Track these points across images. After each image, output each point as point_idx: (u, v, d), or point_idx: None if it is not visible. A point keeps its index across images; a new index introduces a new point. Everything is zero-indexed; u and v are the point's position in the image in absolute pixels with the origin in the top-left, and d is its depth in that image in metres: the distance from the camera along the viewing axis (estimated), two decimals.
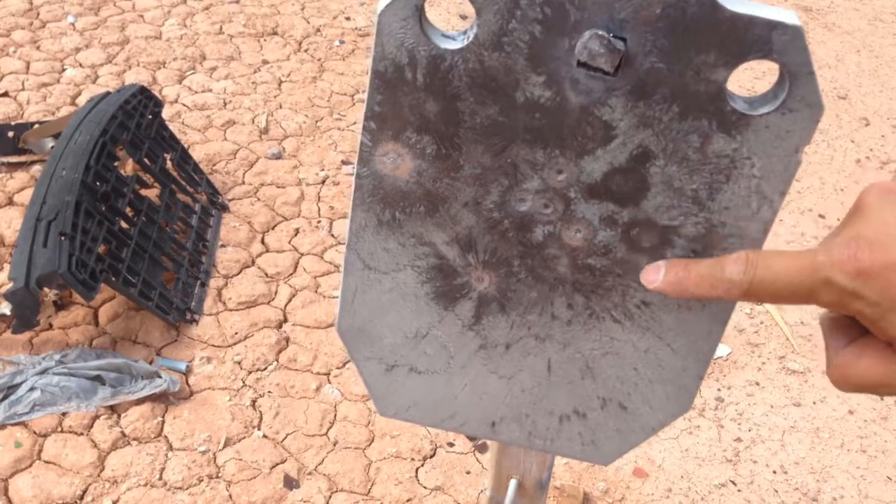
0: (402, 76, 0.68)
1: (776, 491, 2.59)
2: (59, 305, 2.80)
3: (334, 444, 2.56)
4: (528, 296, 0.77)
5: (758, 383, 2.93)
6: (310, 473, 2.47)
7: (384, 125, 0.70)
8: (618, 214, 0.71)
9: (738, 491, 2.58)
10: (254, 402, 2.65)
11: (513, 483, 1.03)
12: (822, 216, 3.74)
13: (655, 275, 0.70)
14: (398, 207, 0.75)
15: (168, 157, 3.16)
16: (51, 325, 2.75)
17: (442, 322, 0.81)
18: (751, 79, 4.65)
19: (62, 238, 2.46)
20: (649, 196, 0.70)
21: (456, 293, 0.79)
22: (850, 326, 0.60)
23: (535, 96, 0.67)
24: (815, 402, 2.89)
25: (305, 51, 4.41)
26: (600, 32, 0.63)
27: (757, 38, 0.61)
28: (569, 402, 0.83)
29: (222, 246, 3.17)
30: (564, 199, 0.72)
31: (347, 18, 4.77)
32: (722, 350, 3.02)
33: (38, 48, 4.06)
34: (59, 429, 2.46)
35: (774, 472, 2.65)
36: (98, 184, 2.71)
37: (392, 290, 0.79)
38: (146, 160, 3.02)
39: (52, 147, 3.03)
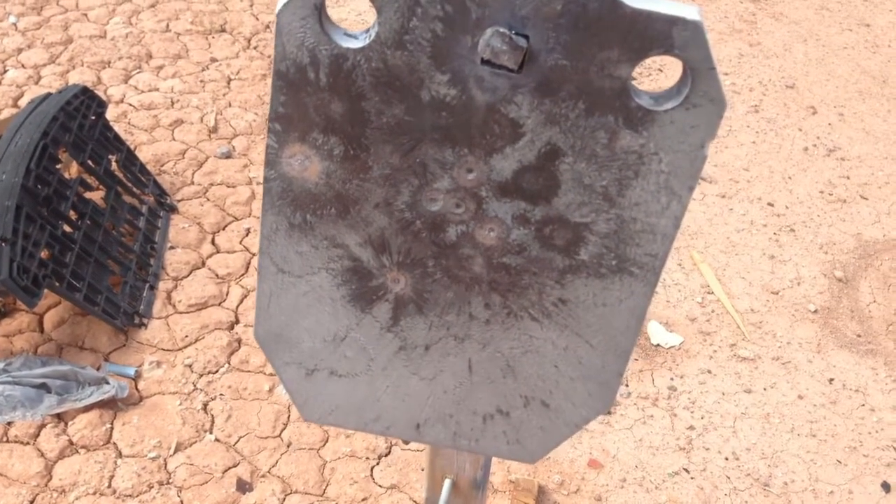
0: (305, 76, 0.67)
1: (728, 477, 2.62)
2: (2, 312, 2.74)
3: (288, 446, 2.54)
4: (445, 296, 0.76)
5: (709, 371, 2.96)
6: (263, 476, 2.45)
7: (289, 127, 0.69)
8: (530, 212, 0.71)
9: (692, 478, 2.60)
10: (205, 405, 2.61)
11: (447, 483, 1.02)
12: (770, 204, 3.78)
13: None
14: (309, 210, 0.73)
15: (113, 158, 3.11)
16: None
17: (360, 325, 0.79)
18: None
19: (2, 244, 2.41)
20: (560, 193, 0.70)
21: (372, 295, 0.78)
22: None
23: (440, 95, 0.66)
24: (765, 389, 2.92)
25: (255, 48, 4.36)
26: (502, 30, 0.62)
27: (658, 34, 0.61)
28: (491, 402, 0.82)
29: (171, 248, 3.12)
30: (476, 198, 0.71)
31: None
32: (674, 339, 3.04)
33: None
34: (5, 438, 2.41)
35: (726, 458, 2.68)
36: (39, 187, 2.66)
37: (308, 294, 0.78)
38: (90, 162, 2.96)
39: None
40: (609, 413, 2.76)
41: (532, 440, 0.85)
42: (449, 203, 0.72)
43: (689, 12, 0.62)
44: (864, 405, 2.90)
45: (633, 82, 0.65)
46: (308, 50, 0.65)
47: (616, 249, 0.72)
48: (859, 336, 3.18)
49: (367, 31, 0.66)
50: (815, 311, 3.26)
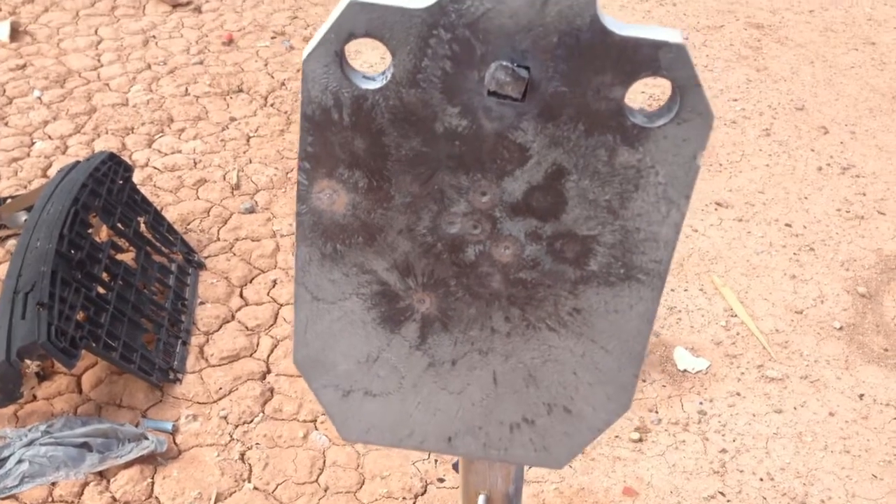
0: (330, 117, 0.74)
1: (765, 498, 2.62)
2: (42, 376, 2.82)
3: (325, 490, 2.58)
4: (468, 312, 0.82)
5: (738, 393, 2.97)
6: None
7: (317, 164, 0.76)
8: (541, 229, 0.77)
9: (728, 501, 2.61)
10: (242, 455, 2.66)
11: (481, 498, 1.06)
12: (788, 225, 3.81)
13: None
14: (338, 240, 0.80)
15: (141, 220, 3.21)
16: (35, 397, 2.77)
17: (390, 345, 0.85)
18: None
19: (40, 308, 2.49)
20: (568, 209, 0.76)
21: (400, 316, 0.84)
22: None
23: (452, 126, 0.73)
24: (795, 408, 2.93)
25: (272, 105, 4.48)
26: (505, 63, 0.69)
27: (645, 58, 0.68)
28: (517, 411, 0.88)
29: (201, 303, 3.20)
30: (491, 219, 0.77)
31: None
32: (700, 364, 3.06)
33: (6, 124, 4.12)
34: (50, 499, 2.46)
35: (761, 479, 2.68)
36: (73, 252, 2.75)
37: (341, 319, 0.84)
38: (119, 225, 3.06)
39: (26, 220, 3.06)
40: (641, 440, 2.78)
41: (558, 446, 0.90)
42: (466, 225, 0.78)
43: (673, 36, 0.68)
44: (895, 419, 2.90)
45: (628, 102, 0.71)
46: (331, 93, 0.72)
47: (623, 258, 0.77)
48: (886, 350, 3.18)
49: (384, 72, 0.73)
50: (841, 328, 3.27)
